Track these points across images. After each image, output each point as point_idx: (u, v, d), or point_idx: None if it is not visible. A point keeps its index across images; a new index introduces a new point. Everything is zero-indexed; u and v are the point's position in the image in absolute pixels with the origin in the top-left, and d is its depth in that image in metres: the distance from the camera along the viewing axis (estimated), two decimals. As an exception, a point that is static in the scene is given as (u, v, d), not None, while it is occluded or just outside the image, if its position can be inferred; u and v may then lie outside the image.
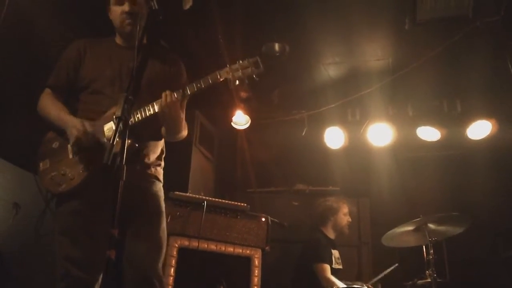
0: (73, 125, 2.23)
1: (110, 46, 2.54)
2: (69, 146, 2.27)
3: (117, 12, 2.44)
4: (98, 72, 2.41)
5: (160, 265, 2.28)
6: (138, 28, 2.30)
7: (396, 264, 4.26)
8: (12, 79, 3.31)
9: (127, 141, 2.13)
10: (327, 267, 4.23)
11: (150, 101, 2.28)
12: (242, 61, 2.27)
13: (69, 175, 2.21)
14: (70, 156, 2.26)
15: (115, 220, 1.58)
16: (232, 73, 2.24)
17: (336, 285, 4.12)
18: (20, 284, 3.19)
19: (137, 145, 2.24)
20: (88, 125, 2.23)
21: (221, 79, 2.26)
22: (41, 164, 2.29)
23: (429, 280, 3.70)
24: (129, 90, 1.84)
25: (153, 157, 2.43)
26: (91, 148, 2.21)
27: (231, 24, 4.04)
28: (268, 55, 4.52)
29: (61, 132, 2.30)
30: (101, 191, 1.98)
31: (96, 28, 3.73)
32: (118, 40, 2.55)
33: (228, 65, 2.27)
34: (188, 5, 3.61)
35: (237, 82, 2.25)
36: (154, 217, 2.33)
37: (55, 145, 2.32)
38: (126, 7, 2.41)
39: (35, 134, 2.41)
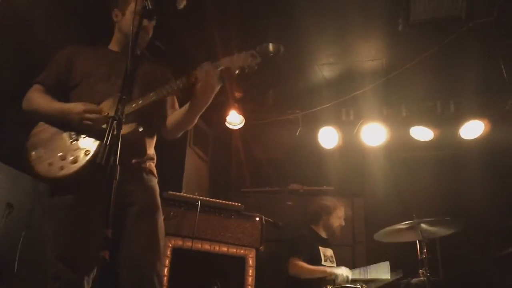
0: (82, 109, 2.19)
1: (104, 50, 2.56)
2: (64, 134, 2.23)
3: (131, 20, 2.42)
4: (92, 69, 2.40)
5: (160, 263, 2.25)
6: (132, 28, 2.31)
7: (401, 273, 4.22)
8: (7, 79, 3.30)
9: (131, 125, 2.18)
10: (297, 260, 4.22)
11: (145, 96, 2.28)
12: (239, 52, 2.30)
13: (71, 158, 2.15)
14: (68, 143, 2.21)
15: (108, 219, 1.58)
16: (233, 62, 2.27)
17: (306, 267, 4.14)
18: (12, 283, 3.18)
19: (141, 129, 2.24)
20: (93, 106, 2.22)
21: (223, 67, 2.27)
22: (33, 153, 2.20)
23: (422, 278, 3.73)
24: (123, 90, 1.84)
25: (148, 152, 2.43)
26: (91, 133, 2.20)
27: (226, 24, 4.05)
28: (262, 55, 4.52)
29: (56, 123, 2.26)
30: (96, 187, 1.92)
31: (94, 30, 3.74)
32: (113, 46, 2.57)
33: (228, 56, 2.30)
34: (182, 4, 3.60)
35: (237, 71, 2.28)
36: (151, 211, 2.30)
37: (47, 135, 2.25)
38: (145, 22, 2.41)
39: (28, 134, 2.37)
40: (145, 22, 2.42)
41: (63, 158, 2.16)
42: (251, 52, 2.30)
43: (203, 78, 2.23)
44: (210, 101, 2.32)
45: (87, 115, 2.19)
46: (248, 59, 2.27)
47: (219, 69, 2.27)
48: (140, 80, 2.37)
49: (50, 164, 2.16)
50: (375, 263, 4.34)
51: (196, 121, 2.44)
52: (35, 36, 3.50)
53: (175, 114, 2.47)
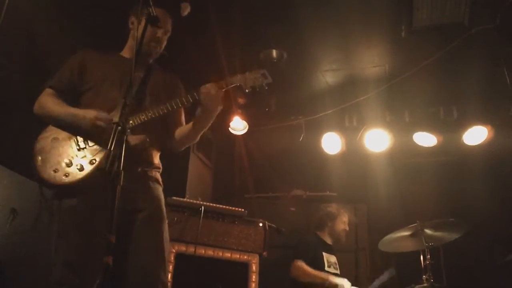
0: (94, 116, 2.21)
1: (117, 58, 2.58)
2: (72, 141, 2.25)
3: (148, 32, 2.41)
4: (104, 76, 2.42)
5: (164, 272, 2.26)
6: (136, 35, 2.34)
7: (394, 272, 4.24)
8: (10, 84, 3.32)
9: (140, 136, 2.23)
10: (301, 262, 4.23)
11: (154, 108, 2.33)
12: (250, 71, 2.36)
13: (77, 166, 2.17)
14: (75, 150, 2.23)
15: (112, 225, 1.58)
16: (246, 81, 2.33)
17: (308, 271, 4.15)
18: (17, 288, 3.19)
19: (148, 140, 2.28)
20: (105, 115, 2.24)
21: (235, 84, 2.35)
22: (39, 158, 2.20)
23: (426, 285, 3.71)
24: (126, 96, 1.85)
25: (154, 161, 2.46)
26: (99, 140, 2.22)
27: (229, 31, 4.07)
28: (266, 62, 4.55)
29: (66, 127, 2.28)
30: (101, 193, 1.92)
31: (95, 32, 3.78)
32: (126, 53, 2.60)
33: (238, 74, 2.36)
34: (186, 11, 3.64)
35: (248, 90, 2.35)
36: (157, 220, 2.33)
37: (54, 140, 2.26)
38: (160, 33, 2.50)
39: (33, 139, 2.35)
40: (160, 33, 2.49)
41: (69, 165, 2.18)
42: (263, 72, 2.36)
43: (205, 100, 2.29)
44: (211, 121, 2.41)
45: (99, 122, 2.20)
46: (260, 78, 2.34)
47: (229, 87, 2.33)
48: (151, 89, 2.43)
49: (55, 171, 2.17)
50: (378, 268, 4.34)
51: (199, 138, 2.53)
52: (39, 41, 3.52)
53: (181, 129, 2.53)
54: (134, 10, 2.54)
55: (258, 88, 2.35)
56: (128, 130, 2.12)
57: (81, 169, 2.17)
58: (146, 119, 2.26)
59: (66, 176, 2.15)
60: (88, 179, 2.15)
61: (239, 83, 2.34)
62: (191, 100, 2.33)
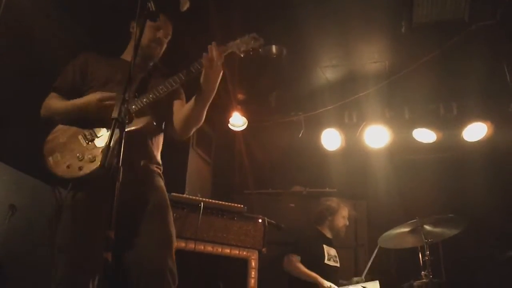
0: (99, 97, 2.25)
1: (118, 60, 2.60)
2: (79, 136, 2.27)
3: (149, 33, 2.50)
4: (107, 76, 2.46)
5: (172, 260, 2.25)
6: (135, 29, 2.34)
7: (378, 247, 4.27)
8: (9, 82, 3.31)
9: (146, 118, 2.27)
10: (294, 258, 4.28)
11: (154, 107, 2.35)
12: (241, 37, 2.36)
13: (89, 156, 2.20)
14: (84, 144, 2.26)
15: (112, 221, 1.58)
16: (238, 46, 2.33)
17: (300, 268, 4.20)
18: (15, 285, 3.18)
19: (155, 123, 2.30)
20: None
21: (229, 51, 2.33)
22: (50, 159, 2.23)
23: (425, 281, 3.72)
24: (126, 91, 1.85)
25: (155, 156, 2.47)
26: (107, 125, 2.22)
27: (229, 27, 4.05)
28: (265, 57, 4.54)
29: (74, 120, 2.31)
30: (104, 189, 1.87)
31: (95, 32, 3.76)
32: (127, 57, 2.61)
33: (231, 41, 2.35)
34: (185, 7, 3.63)
35: (242, 55, 2.34)
36: (161, 210, 2.34)
37: (62, 139, 2.29)
38: (160, 34, 2.54)
39: (32, 136, 2.38)
40: (160, 34, 2.54)
41: (80, 158, 2.21)
42: (253, 35, 2.36)
43: (207, 62, 2.26)
44: (215, 88, 2.33)
45: (105, 102, 2.24)
46: (251, 41, 2.34)
47: (225, 53, 2.31)
48: (151, 87, 2.42)
49: (68, 166, 2.20)
50: (377, 265, 4.34)
51: (204, 115, 2.44)
52: (38, 38, 3.51)
53: (182, 111, 2.49)
54: (135, 16, 2.56)
55: (252, 51, 2.34)
56: (133, 113, 2.20)
57: (93, 159, 2.20)
58: (147, 101, 2.28)
59: (80, 169, 2.18)
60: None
61: (232, 50, 2.33)
62: (187, 74, 2.33)
